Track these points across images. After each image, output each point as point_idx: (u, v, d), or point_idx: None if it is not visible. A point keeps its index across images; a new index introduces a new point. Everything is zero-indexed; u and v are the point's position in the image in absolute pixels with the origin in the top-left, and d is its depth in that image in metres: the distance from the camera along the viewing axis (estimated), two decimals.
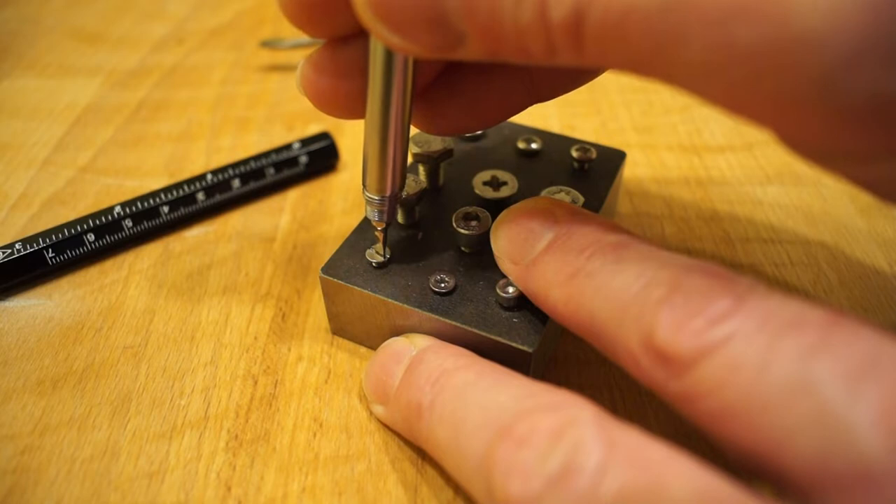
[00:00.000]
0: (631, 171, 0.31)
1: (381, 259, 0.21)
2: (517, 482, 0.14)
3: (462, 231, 0.21)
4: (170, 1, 0.47)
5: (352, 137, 0.33)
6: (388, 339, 0.21)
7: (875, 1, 0.11)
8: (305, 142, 0.30)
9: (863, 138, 0.12)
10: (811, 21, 0.11)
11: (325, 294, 0.22)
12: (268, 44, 0.39)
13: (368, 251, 0.22)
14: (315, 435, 0.21)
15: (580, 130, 0.34)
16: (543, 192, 0.22)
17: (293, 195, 0.30)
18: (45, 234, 0.26)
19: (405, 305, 0.20)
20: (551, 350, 0.23)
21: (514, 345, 0.19)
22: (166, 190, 0.28)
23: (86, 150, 0.33)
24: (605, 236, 0.17)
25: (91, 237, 0.26)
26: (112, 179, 0.31)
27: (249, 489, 0.19)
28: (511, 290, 0.20)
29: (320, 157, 0.31)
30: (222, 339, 0.24)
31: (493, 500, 0.15)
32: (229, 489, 0.19)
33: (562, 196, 0.22)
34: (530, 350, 0.19)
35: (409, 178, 0.22)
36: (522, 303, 0.20)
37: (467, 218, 0.22)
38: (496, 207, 0.22)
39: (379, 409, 0.20)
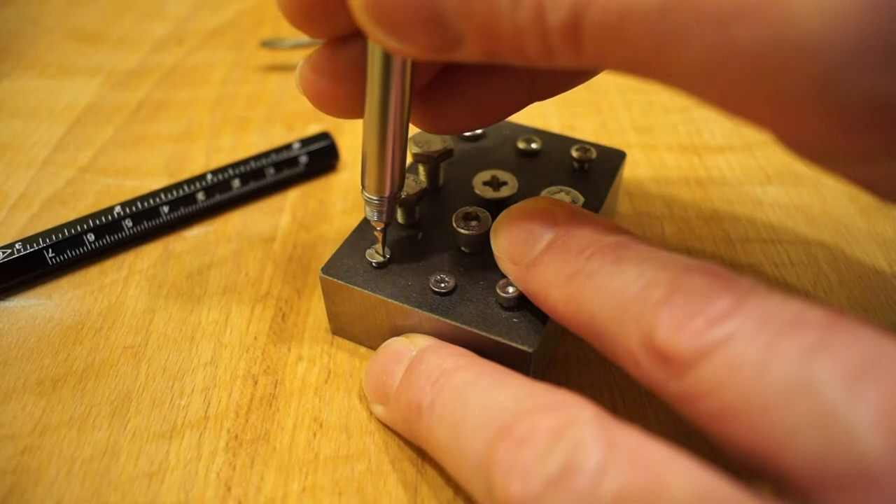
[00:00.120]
0: (631, 171, 0.31)
1: (381, 259, 0.21)
2: (517, 482, 0.14)
3: (462, 231, 0.21)
4: (170, 1, 0.47)
5: (352, 137, 0.33)
6: (388, 339, 0.21)
7: (874, 3, 0.11)
8: (305, 142, 0.30)
9: (862, 138, 0.12)
10: (811, 23, 0.11)
11: (325, 294, 0.22)
12: (268, 44, 0.39)
13: (368, 251, 0.22)
14: (315, 435, 0.21)
15: (580, 130, 0.34)
16: (543, 192, 0.22)
17: (293, 195, 0.30)
18: (45, 234, 0.26)
19: (405, 305, 0.20)
20: (551, 350, 0.23)
21: (514, 345, 0.19)
22: (166, 190, 0.28)
23: (86, 150, 0.33)
24: (605, 236, 0.17)
25: (91, 237, 0.26)
26: (112, 179, 0.31)
27: (249, 489, 0.19)
28: (511, 290, 0.20)
29: (320, 157, 0.31)
30: (222, 339, 0.24)
31: (493, 500, 0.15)
32: (229, 489, 0.19)
33: (562, 196, 0.22)
34: (530, 350, 0.19)
35: (409, 178, 0.22)
36: (522, 303, 0.20)
37: (467, 218, 0.22)
38: (496, 207, 0.22)
39: (379, 409, 0.20)
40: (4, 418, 0.21)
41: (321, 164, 0.31)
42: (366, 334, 0.23)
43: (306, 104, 0.36)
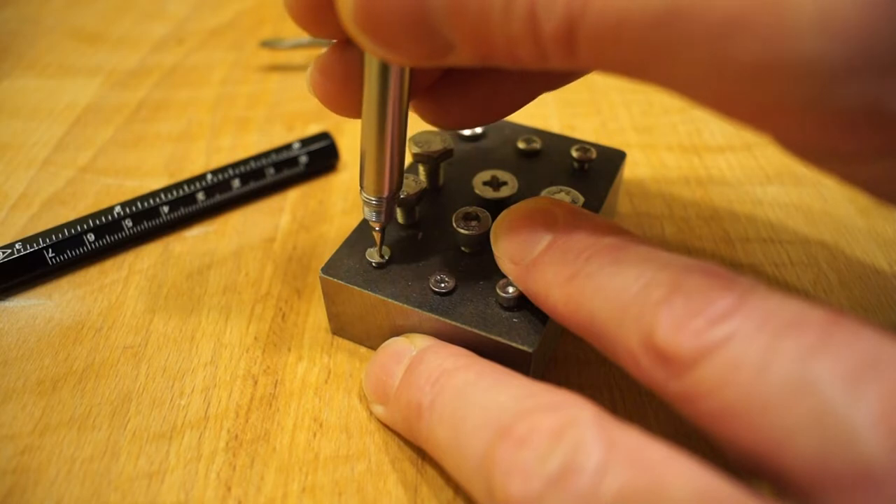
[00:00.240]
0: (631, 171, 0.31)
1: (380, 259, 0.21)
2: (517, 482, 0.14)
3: (462, 231, 0.21)
4: (170, 1, 0.47)
5: (352, 137, 0.33)
6: (388, 339, 0.21)
7: (868, 16, 0.11)
8: (305, 142, 0.30)
9: (857, 140, 0.12)
10: (809, 36, 0.11)
11: (325, 294, 0.22)
12: (268, 44, 0.39)
13: (368, 251, 0.22)
14: (315, 435, 0.21)
15: (580, 130, 0.34)
16: (543, 192, 0.22)
17: (293, 195, 0.30)
18: (45, 234, 0.26)
19: (405, 305, 0.20)
20: (551, 350, 0.23)
21: (514, 345, 0.19)
22: (166, 190, 0.28)
23: (86, 150, 0.33)
24: (605, 237, 0.17)
25: (91, 237, 0.26)
26: (112, 179, 0.31)
27: (249, 489, 0.19)
28: (511, 290, 0.20)
29: (320, 157, 0.31)
30: (222, 339, 0.24)
31: (493, 500, 0.15)
32: (229, 489, 0.19)
33: (562, 196, 0.22)
34: (530, 350, 0.19)
35: (409, 178, 0.22)
36: (522, 303, 0.20)
37: (467, 218, 0.22)
38: (496, 207, 0.22)
39: (379, 409, 0.20)
40: (4, 418, 0.21)
41: (321, 164, 0.31)
42: (366, 334, 0.23)
43: (306, 104, 0.36)
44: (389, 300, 0.20)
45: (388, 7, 0.13)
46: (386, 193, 0.20)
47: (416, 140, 0.24)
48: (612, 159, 0.26)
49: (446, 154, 0.24)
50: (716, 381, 0.13)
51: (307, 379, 0.22)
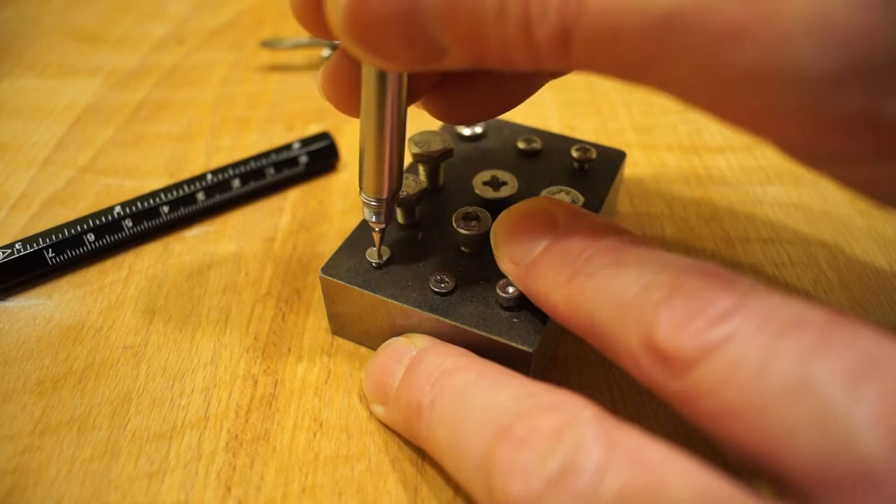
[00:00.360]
0: (631, 171, 0.31)
1: (380, 259, 0.21)
2: (517, 482, 0.14)
3: (462, 231, 0.21)
4: (170, 1, 0.47)
5: (352, 137, 0.33)
6: (388, 339, 0.21)
7: (864, 23, 0.11)
8: (305, 142, 0.30)
9: (853, 144, 0.13)
10: (804, 43, 0.11)
11: (325, 294, 0.22)
12: (268, 44, 0.39)
13: (368, 251, 0.22)
14: (315, 435, 0.21)
15: (580, 130, 0.34)
16: (543, 192, 0.22)
17: (293, 195, 0.30)
18: (45, 234, 0.26)
19: (405, 305, 0.20)
20: (551, 350, 0.23)
21: (514, 345, 0.19)
22: (166, 190, 0.28)
23: (86, 150, 0.33)
24: (606, 237, 0.17)
25: (91, 237, 0.26)
26: (112, 179, 0.31)
27: (249, 489, 0.19)
28: (511, 290, 0.20)
29: (320, 157, 0.31)
30: (222, 339, 0.24)
31: (493, 500, 0.15)
32: (229, 489, 0.19)
33: (562, 196, 0.22)
34: (530, 350, 0.19)
35: (409, 178, 0.22)
36: (522, 303, 0.20)
37: (467, 218, 0.22)
38: (496, 207, 0.22)
39: (379, 409, 0.20)
40: (4, 418, 0.21)
41: (321, 164, 0.31)
42: (366, 334, 0.23)
43: (306, 104, 0.36)
44: (389, 300, 0.20)
45: (379, 13, 0.13)
46: (385, 195, 0.20)
47: (416, 140, 0.24)
48: (612, 159, 0.26)
49: (446, 154, 0.24)
50: (716, 381, 0.13)
51: (307, 379, 0.22)
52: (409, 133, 0.20)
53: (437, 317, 0.20)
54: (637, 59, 0.12)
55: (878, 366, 0.12)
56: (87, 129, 0.34)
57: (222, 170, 0.29)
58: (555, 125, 0.34)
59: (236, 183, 0.29)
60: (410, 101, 0.19)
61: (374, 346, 0.23)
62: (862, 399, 0.12)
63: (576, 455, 0.13)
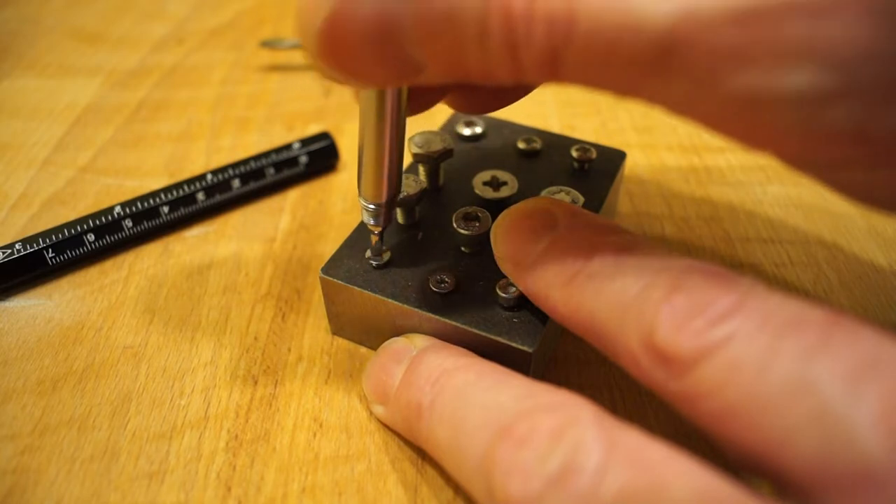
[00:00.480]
0: (631, 171, 0.31)
1: (380, 260, 0.21)
2: (517, 482, 0.14)
3: (462, 231, 0.21)
4: (170, 1, 0.47)
5: (351, 137, 0.33)
6: (388, 339, 0.21)
7: (856, 45, 0.11)
8: (305, 142, 0.30)
9: (843, 153, 0.13)
10: (803, 68, 0.11)
11: (325, 294, 0.22)
12: (268, 44, 0.39)
13: (368, 251, 0.22)
14: (315, 435, 0.21)
15: (580, 130, 0.34)
16: (543, 192, 0.22)
17: (293, 195, 0.30)
18: (45, 234, 0.26)
19: (405, 305, 0.20)
20: (551, 350, 0.23)
21: (514, 345, 0.19)
22: (166, 190, 0.28)
23: (86, 150, 0.33)
24: (606, 237, 0.17)
25: (91, 237, 0.26)
26: (112, 179, 0.31)
27: (249, 489, 0.19)
28: (511, 290, 0.20)
29: (320, 157, 0.31)
30: (222, 339, 0.24)
31: (493, 500, 0.15)
32: (229, 489, 0.19)
33: (562, 196, 0.22)
34: (530, 350, 0.19)
35: (409, 178, 0.22)
36: (522, 303, 0.20)
37: (467, 218, 0.22)
38: (496, 207, 0.22)
39: (379, 409, 0.20)
40: (4, 418, 0.21)
41: (321, 164, 0.31)
42: (366, 334, 0.23)
43: (306, 104, 0.36)
44: (389, 300, 0.20)
45: (355, 35, 0.13)
46: (384, 199, 0.20)
47: (416, 140, 0.24)
48: (612, 159, 0.26)
49: (446, 154, 0.24)
50: (716, 382, 0.13)
51: (307, 379, 0.22)
52: (409, 133, 0.20)
53: (437, 317, 0.20)
54: (630, 77, 0.12)
55: (878, 366, 0.12)
56: (87, 129, 0.34)
57: (222, 170, 0.29)
58: (555, 125, 0.34)
59: (236, 183, 0.29)
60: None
61: (374, 346, 0.23)
62: (862, 399, 0.12)
63: (576, 455, 0.13)
